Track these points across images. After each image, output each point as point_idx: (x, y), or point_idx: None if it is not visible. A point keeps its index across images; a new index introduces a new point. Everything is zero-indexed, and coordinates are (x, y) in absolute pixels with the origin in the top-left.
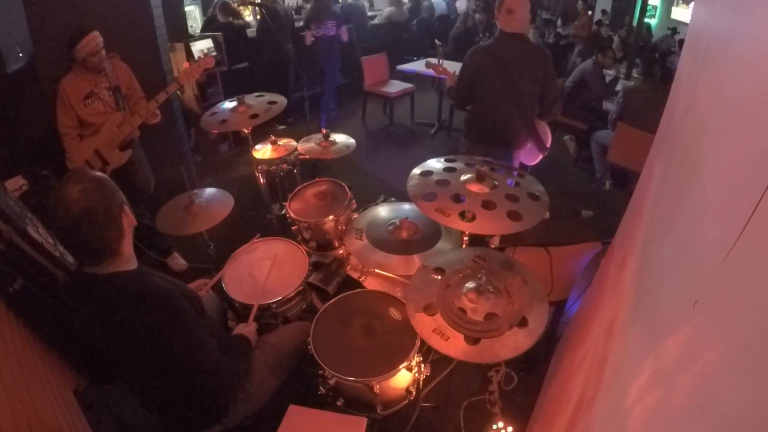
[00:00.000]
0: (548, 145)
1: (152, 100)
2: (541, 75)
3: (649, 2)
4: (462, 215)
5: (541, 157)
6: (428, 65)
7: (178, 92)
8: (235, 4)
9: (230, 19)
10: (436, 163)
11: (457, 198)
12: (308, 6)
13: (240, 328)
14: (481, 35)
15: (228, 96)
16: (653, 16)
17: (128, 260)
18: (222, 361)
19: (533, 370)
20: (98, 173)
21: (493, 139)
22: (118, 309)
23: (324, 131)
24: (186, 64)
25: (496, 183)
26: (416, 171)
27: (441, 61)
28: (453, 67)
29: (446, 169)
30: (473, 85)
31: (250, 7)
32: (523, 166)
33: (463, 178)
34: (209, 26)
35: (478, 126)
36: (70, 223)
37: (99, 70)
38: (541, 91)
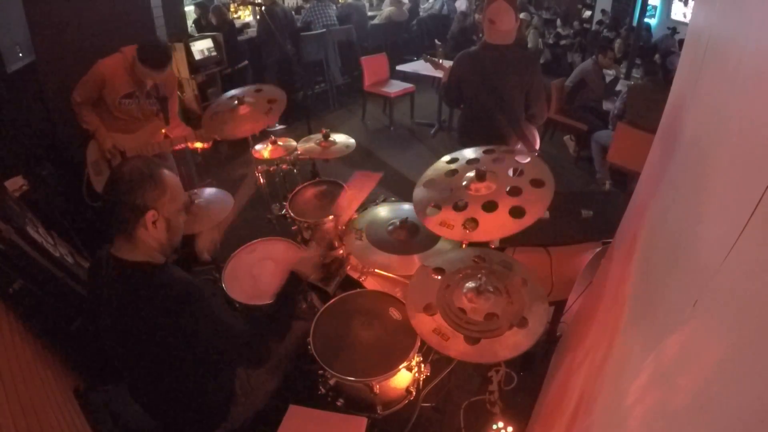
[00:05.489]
0: (537, 147)
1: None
2: (527, 84)
3: (649, 2)
4: (464, 226)
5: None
6: (426, 59)
7: (178, 92)
8: (235, 5)
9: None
10: (436, 164)
11: (459, 206)
12: (307, 6)
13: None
14: (481, 35)
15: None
16: (653, 16)
17: (149, 256)
18: (247, 329)
19: (533, 370)
20: (166, 176)
21: (483, 144)
22: (145, 299)
23: (324, 131)
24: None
25: (498, 177)
26: (419, 185)
27: (441, 61)
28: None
29: (447, 173)
30: (461, 90)
31: (249, 6)
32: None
33: (464, 182)
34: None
35: (469, 130)
36: (109, 178)
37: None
38: (526, 101)
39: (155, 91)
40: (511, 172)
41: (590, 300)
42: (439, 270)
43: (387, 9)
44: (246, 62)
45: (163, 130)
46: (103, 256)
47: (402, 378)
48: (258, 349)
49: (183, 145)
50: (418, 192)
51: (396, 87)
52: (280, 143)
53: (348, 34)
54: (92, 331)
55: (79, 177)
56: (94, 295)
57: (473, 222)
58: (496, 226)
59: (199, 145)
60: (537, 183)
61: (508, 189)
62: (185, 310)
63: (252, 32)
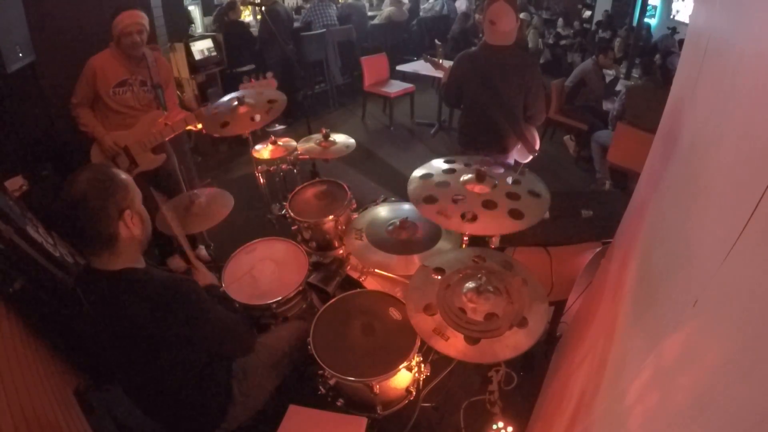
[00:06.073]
0: (537, 147)
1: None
2: (526, 86)
3: (649, 2)
4: (463, 216)
5: (531, 157)
6: (426, 59)
7: (177, 92)
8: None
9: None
10: (435, 164)
11: (458, 200)
12: (307, 6)
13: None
14: (481, 35)
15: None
16: (653, 16)
17: (132, 260)
18: (237, 318)
19: (533, 370)
20: (120, 174)
21: (483, 144)
22: (136, 304)
23: (324, 131)
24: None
25: (497, 183)
26: (416, 174)
27: (441, 61)
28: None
29: (446, 171)
30: (461, 91)
31: (250, 6)
32: (516, 163)
33: (463, 178)
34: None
35: (468, 132)
36: (66, 204)
37: (137, 59)
38: (524, 102)
39: (148, 78)
40: (510, 180)
41: (590, 300)
42: (439, 270)
43: (387, 9)
44: (253, 66)
45: (161, 119)
46: (82, 276)
47: (402, 378)
48: (246, 335)
49: (184, 127)
50: (414, 183)
51: (396, 87)
52: (280, 143)
53: (348, 34)
54: (87, 338)
55: None
56: (81, 316)
57: (473, 216)
58: (497, 223)
59: (201, 126)
60: (533, 194)
61: (506, 193)
62: (176, 307)
63: (252, 32)
